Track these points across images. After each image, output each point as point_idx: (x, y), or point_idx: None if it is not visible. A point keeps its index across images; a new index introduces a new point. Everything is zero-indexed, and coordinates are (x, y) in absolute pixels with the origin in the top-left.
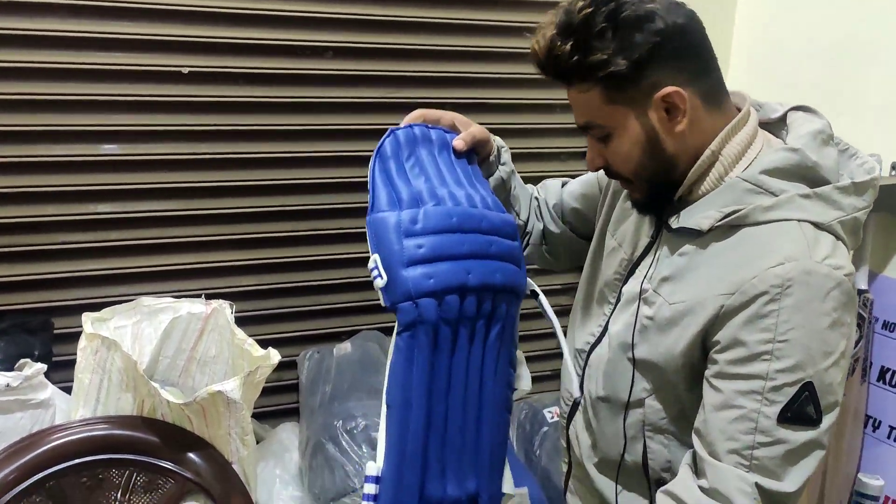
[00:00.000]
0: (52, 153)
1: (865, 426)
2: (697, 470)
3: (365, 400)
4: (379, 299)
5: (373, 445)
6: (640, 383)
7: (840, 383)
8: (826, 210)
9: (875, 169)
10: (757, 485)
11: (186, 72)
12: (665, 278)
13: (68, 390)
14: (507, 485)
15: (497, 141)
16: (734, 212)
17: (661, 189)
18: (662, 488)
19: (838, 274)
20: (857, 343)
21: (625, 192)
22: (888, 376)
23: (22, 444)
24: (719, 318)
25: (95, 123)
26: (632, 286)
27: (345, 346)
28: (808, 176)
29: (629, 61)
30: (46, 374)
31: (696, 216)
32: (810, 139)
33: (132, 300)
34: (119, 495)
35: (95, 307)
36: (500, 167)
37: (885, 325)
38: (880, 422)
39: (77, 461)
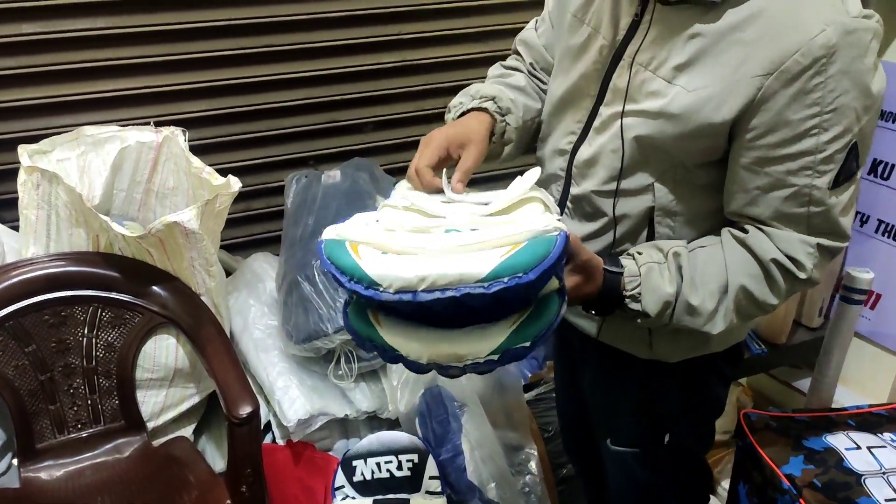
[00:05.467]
0: None
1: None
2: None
3: None
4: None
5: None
6: (647, 169)
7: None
8: None
9: None
10: (819, 245)
11: None
12: (680, 67)
13: (17, 230)
14: None
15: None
16: None
17: None
18: (734, 233)
19: (872, 23)
20: None
21: None
22: (881, 169)
23: None
24: (756, 103)
25: None
26: (621, 79)
27: (334, 174)
28: None
29: None
30: None
31: None
32: None
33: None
34: (86, 331)
35: (34, 140)
36: (505, 148)
37: (882, 115)
38: (868, 216)
39: (35, 300)
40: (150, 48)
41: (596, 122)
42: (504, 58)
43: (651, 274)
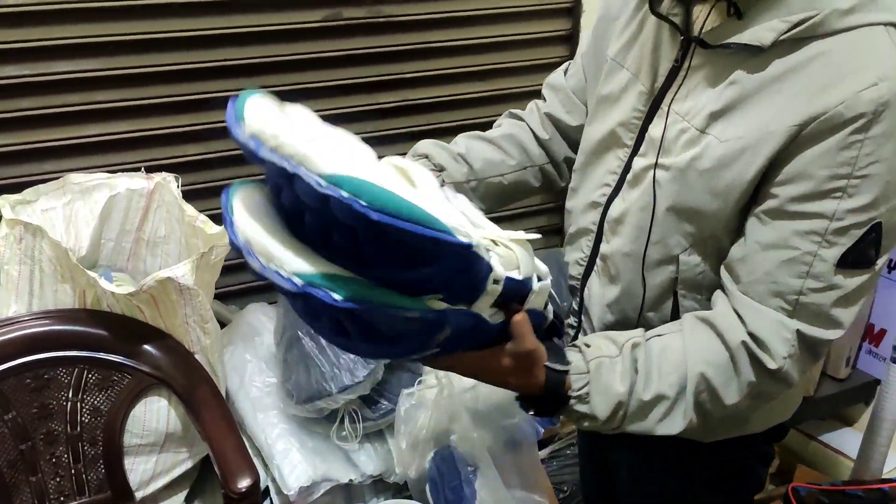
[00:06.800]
0: None
1: None
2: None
3: None
4: None
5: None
6: (673, 236)
7: None
8: None
9: None
10: (798, 332)
11: None
12: (715, 114)
13: None
14: None
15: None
16: (804, 20)
17: None
18: (699, 314)
19: None
20: None
21: (629, 8)
22: None
23: None
24: (789, 150)
25: None
26: (657, 128)
27: None
28: None
29: None
30: None
31: (752, 28)
32: None
33: (59, 178)
34: (70, 395)
35: (17, 188)
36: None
37: None
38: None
39: (17, 362)
40: (139, 90)
41: (629, 175)
42: (505, 97)
43: (601, 370)
